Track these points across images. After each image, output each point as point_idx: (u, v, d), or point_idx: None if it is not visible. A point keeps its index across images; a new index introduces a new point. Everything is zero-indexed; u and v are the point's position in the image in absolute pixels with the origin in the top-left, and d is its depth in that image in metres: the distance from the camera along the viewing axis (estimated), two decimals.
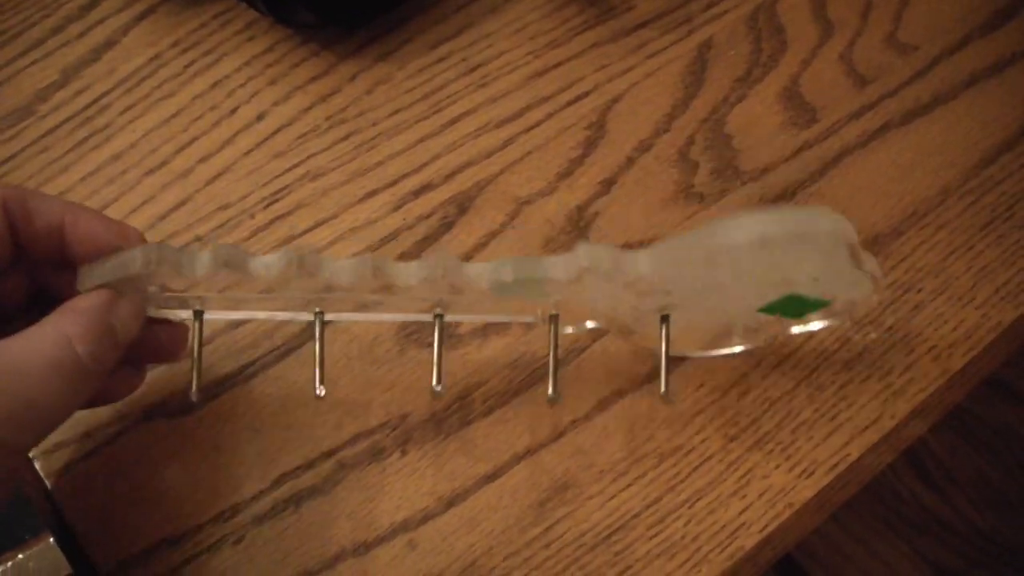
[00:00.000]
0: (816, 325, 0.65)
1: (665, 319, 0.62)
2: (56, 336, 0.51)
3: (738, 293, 0.60)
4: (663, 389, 0.62)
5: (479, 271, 0.58)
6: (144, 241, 0.59)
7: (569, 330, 0.66)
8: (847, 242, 0.56)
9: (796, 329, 0.66)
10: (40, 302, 0.59)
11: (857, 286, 0.60)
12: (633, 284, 0.58)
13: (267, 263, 0.57)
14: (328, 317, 0.63)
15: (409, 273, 0.58)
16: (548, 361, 0.62)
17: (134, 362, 0.62)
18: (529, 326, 0.69)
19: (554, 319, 0.62)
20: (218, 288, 0.59)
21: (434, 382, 0.61)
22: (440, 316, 0.63)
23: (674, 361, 0.67)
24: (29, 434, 0.51)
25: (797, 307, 0.62)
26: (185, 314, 0.62)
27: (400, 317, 0.67)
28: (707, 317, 0.65)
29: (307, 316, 0.63)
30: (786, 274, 0.58)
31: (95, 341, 0.52)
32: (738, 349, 0.68)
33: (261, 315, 0.65)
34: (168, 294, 0.59)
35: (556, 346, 0.62)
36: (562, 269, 0.57)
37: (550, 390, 0.61)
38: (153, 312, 0.60)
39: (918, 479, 1.37)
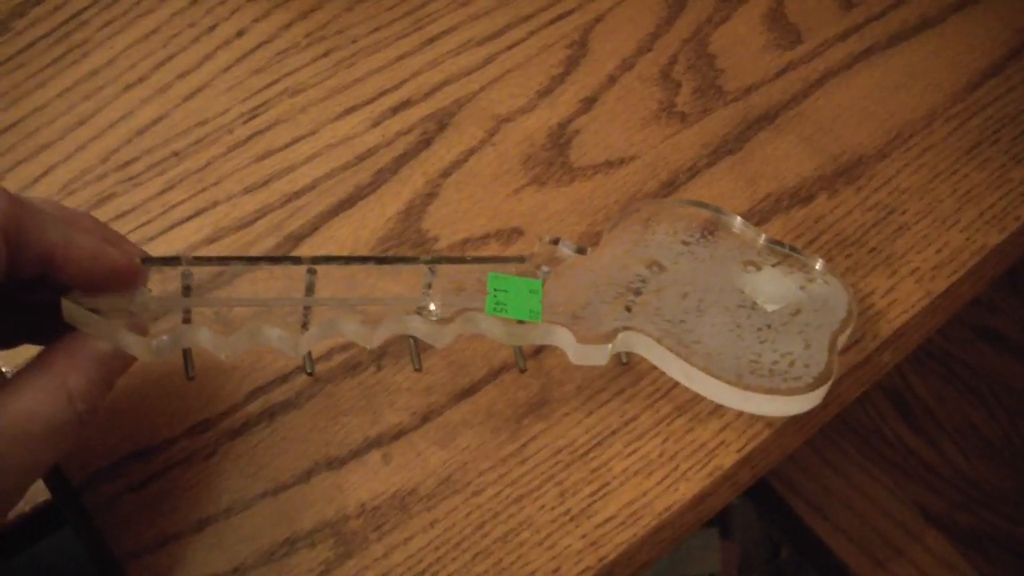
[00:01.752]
0: None
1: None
2: (57, 393, 0.50)
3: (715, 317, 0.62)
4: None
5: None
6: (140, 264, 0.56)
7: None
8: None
9: None
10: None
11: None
12: None
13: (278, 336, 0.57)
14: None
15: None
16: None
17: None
18: (505, 243, 0.68)
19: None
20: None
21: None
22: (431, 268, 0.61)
23: None
24: (16, 494, 0.49)
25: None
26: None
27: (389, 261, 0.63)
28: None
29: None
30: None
31: (96, 399, 0.52)
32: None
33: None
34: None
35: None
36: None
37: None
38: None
39: (904, 423, 1.37)
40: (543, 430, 0.63)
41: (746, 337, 0.61)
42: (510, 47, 0.76)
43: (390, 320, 0.59)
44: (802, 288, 0.63)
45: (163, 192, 0.70)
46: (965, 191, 0.70)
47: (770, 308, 0.62)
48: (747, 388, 0.59)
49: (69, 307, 0.52)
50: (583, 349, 0.59)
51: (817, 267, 0.64)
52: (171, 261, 0.56)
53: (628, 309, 0.61)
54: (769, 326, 0.61)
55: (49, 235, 0.51)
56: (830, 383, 0.60)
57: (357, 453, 0.62)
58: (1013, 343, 1.28)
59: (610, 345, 0.60)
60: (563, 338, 0.60)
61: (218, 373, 0.64)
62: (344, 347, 0.65)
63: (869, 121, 0.72)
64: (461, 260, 0.63)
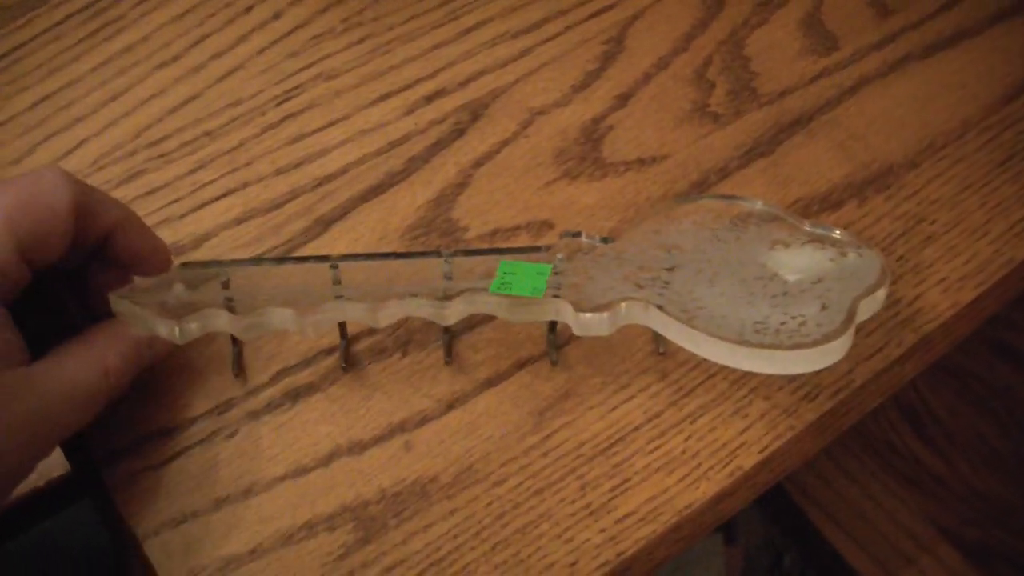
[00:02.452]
0: None
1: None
2: (96, 366, 0.55)
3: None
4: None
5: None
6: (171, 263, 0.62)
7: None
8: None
9: None
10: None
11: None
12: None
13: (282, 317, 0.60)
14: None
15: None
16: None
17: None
18: (535, 234, 0.68)
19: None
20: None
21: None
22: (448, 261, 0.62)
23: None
24: (49, 448, 0.55)
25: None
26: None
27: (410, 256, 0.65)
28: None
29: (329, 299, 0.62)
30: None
31: (125, 377, 0.57)
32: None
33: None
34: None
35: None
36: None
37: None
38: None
39: (917, 436, 1.37)
40: (566, 423, 0.63)
41: (758, 304, 0.61)
42: (546, 40, 0.76)
43: (394, 302, 0.60)
44: (832, 260, 0.62)
45: (194, 171, 0.70)
46: (995, 203, 0.70)
47: (791, 279, 0.61)
48: (748, 345, 0.58)
49: (116, 300, 0.59)
50: (583, 319, 0.60)
51: (849, 240, 0.63)
52: (209, 264, 0.62)
53: (638, 285, 0.61)
54: (785, 293, 0.61)
55: (112, 212, 0.58)
56: (842, 344, 0.58)
57: (380, 439, 0.62)
58: None
59: (608, 314, 0.60)
60: (563, 310, 0.60)
61: (244, 354, 0.64)
62: (370, 332, 0.65)
63: (901, 130, 0.72)
64: (480, 252, 0.63)
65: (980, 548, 1.33)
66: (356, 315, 0.60)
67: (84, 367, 0.55)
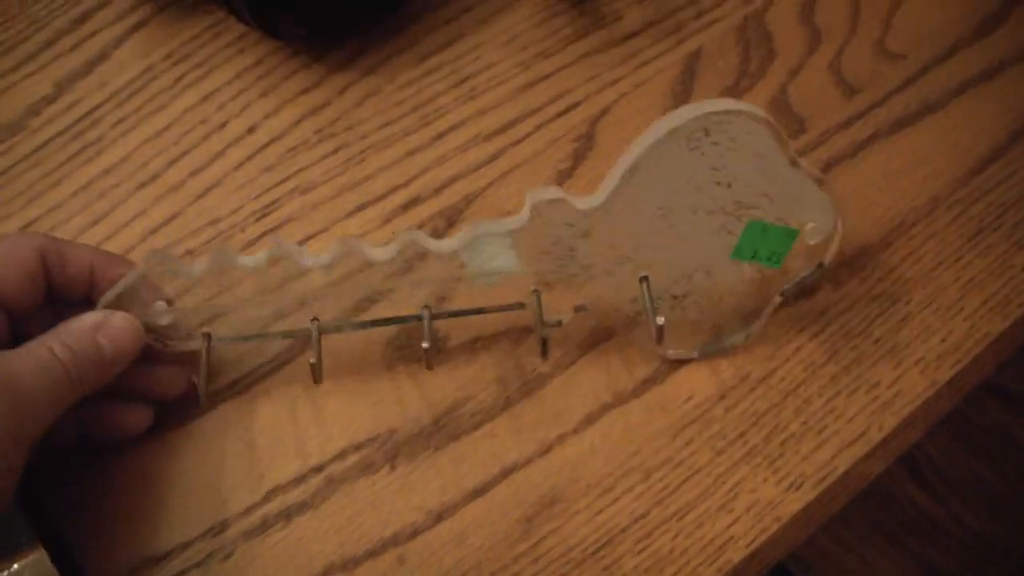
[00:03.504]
0: (801, 275, 0.66)
1: (645, 279, 0.64)
2: (43, 347, 0.57)
3: (699, 232, 0.62)
4: (653, 334, 0.63)
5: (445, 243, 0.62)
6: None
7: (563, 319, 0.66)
8: (772, 134, 0.58)
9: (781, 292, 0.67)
10: None
11: (813, 204, 0.62)
12: (588, 231, 0.62)
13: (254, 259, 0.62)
14: (324, 327, 0.65)
15: (380, 251, 0.63)
16: (535, 375, 0.63)
17: (141, 398, 0.65)
18: (516, 340, 0.69)
19: (537, 293, 0.65)
20: (214, 291, 0.63)
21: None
22: (429, 309, 0.65)
23: (660, 373, 0.68)
24: (23, 426, 0.55)
25: (769, 245, 0.63)
26: (194, 344, 0.64)
27: (393, 322, 0.67)
28: (686, 281, 0.65)
29: (305, 329, 0.65)
30: (730, 184, 0.60)
31: (77, 352, 0.58)
32: (742, 338, 0.68)
33: (265, 335, 0.66)
34: (171, 323, 0.63)
35: (542, 315, 0.64)
36: (517, 220, 0.61)
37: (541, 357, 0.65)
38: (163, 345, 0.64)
39: (912, 481, 1.37)
40: (554, 529, 0.63)
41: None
42: (518, 141, 0.76)
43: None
44: None
45: (178, 294, 0.70)
46: (968, 279, 0.70)
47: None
48: None
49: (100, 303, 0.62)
50: None
51: None
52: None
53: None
54: None
55: (86, 253, 0.62)
56: None
57: (373, 554, 0.63)
58: (1021, 400, 1.29)
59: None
60: None
61: (235, 473, 0.65)
62: (358, 447, 0.66)
63: (872, 209, 0.73)
64: (459, 314, 0.66)
65: None
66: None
67: (31, 348, 0.57)
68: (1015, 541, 1.31)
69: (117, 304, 0.61)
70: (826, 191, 0.61)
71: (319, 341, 0.64)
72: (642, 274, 0.64)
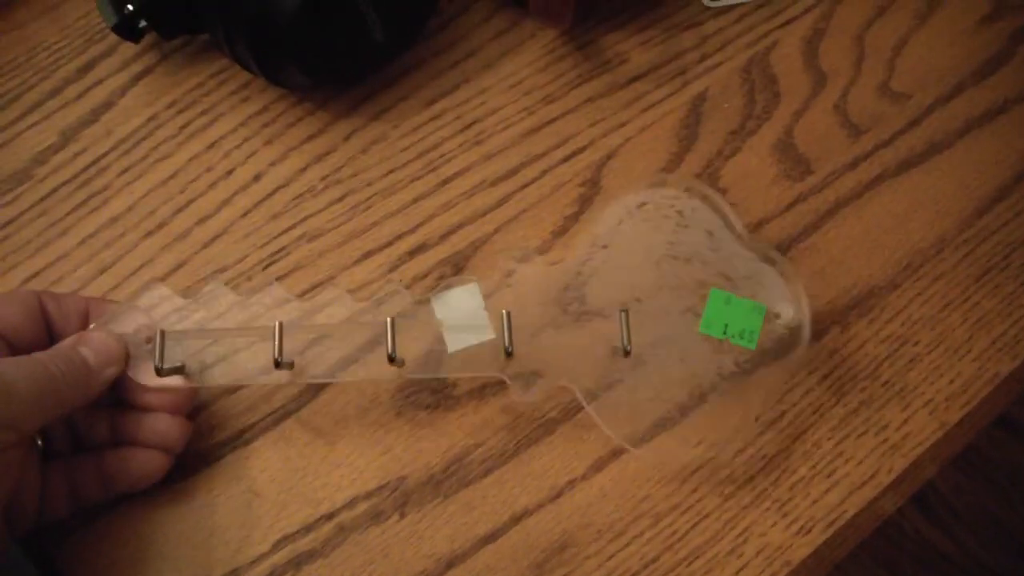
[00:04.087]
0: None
1: (624, 311, 0.65)
2: (31, 358, 0.59)
3: (668, 307, 0.65)
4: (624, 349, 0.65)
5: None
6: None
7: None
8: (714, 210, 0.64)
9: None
10: None
11: (773, 289, 0.65)
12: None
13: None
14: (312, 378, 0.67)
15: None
16: (544, 421, 0.64)
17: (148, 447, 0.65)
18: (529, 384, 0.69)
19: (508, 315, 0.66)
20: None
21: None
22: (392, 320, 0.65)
23: (667, 421, 0.67)
24: (12, 427, 0.57)
25: (737, 320, 0.64)
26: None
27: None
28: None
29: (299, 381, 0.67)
30: (688, 260, 0.64)
31: (60, 358, 0.60)
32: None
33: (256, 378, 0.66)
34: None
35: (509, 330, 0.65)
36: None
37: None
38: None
39: (922, 516, 1.37)
40: (565, 574, 0.63)
41: None
42: (523, 187, 0.76)
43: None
44: None
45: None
46: (976, 319, 0.71)
47: None
48: None
49: None
50: None
51: None
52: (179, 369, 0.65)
53: None
54: None
55: (77, 299, 0.66)
56: None
57: None
58: None
59: None
60: None
61: (245, 522, 0.65)
62: (368, 495, 0.66)
63: (880, 251, 0.73)
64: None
65: None
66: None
67: (21, 360, 0.59)
68: None
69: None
70: (785, 272, 0.62)
71: (281, 336, 0.64)
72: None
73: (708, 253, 0.63)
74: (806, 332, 0.65)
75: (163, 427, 0.64)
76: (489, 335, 0.65)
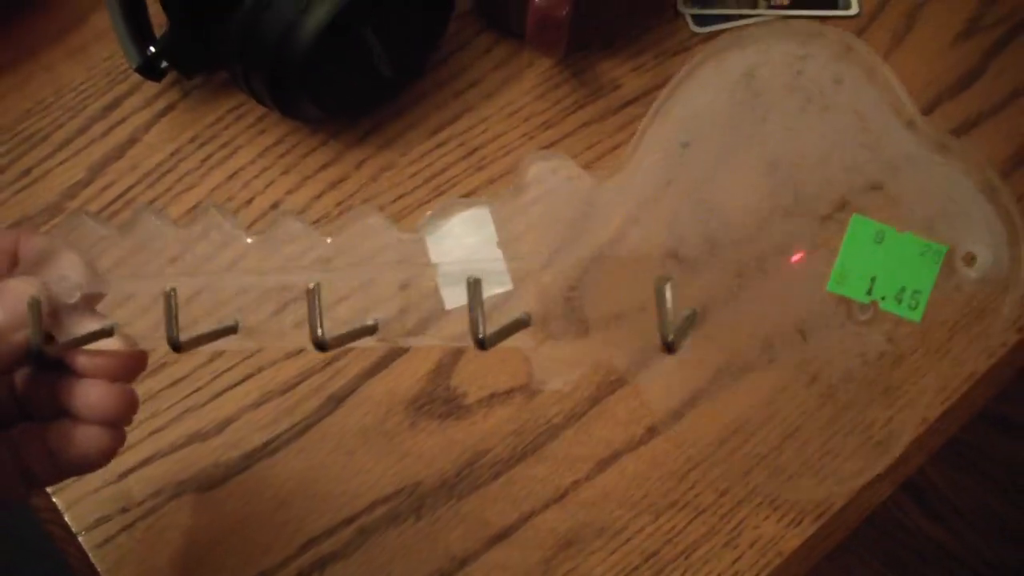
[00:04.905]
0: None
1: (668, 283, 0.47)
2: None
3: (775, 248, 0.46)
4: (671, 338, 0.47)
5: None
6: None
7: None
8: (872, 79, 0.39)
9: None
10: None
11: (968, 211, 0.43)
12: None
13: None
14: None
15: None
16: (549, 427, 0.68)
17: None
18: (530, 395, 0.73)
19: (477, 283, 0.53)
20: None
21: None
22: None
23: (663, 423, 0.71)
24: None
25: (895, 272, 0.46)
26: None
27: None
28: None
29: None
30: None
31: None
32: None
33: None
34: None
35: (481, 304, 0.54)
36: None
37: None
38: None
39: (923, 514, 1.39)
40: (571, 569, 0.68)
41: None
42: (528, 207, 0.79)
43: None
44: None
45: (211, 360, 0.75)
46: (954, 322, 0.74)
47: None
48: None
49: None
50: None
51: None
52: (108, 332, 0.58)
53: None
54: None
55: (8, 232, 0.56)
56: None
57: None
58: None
59: None
60: None
61: (271, 528, 0.70)
62: (386, 499, 0.70)
63: None
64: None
65: None
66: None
67: None
68: None
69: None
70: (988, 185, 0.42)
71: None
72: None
73: (858, 150, 0.43)
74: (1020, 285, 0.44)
75: (95, 396, 0.55)
76: (506, 285, 0.53)
